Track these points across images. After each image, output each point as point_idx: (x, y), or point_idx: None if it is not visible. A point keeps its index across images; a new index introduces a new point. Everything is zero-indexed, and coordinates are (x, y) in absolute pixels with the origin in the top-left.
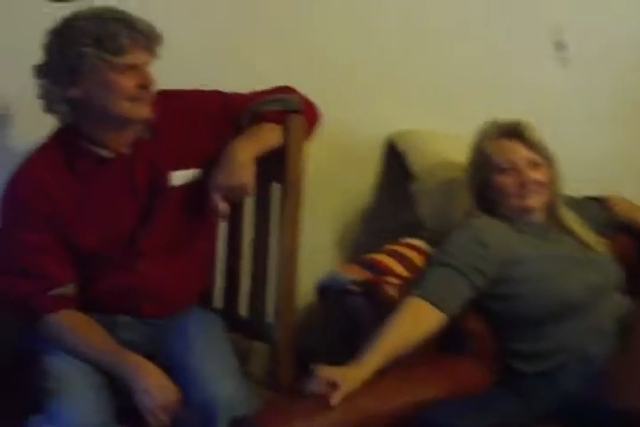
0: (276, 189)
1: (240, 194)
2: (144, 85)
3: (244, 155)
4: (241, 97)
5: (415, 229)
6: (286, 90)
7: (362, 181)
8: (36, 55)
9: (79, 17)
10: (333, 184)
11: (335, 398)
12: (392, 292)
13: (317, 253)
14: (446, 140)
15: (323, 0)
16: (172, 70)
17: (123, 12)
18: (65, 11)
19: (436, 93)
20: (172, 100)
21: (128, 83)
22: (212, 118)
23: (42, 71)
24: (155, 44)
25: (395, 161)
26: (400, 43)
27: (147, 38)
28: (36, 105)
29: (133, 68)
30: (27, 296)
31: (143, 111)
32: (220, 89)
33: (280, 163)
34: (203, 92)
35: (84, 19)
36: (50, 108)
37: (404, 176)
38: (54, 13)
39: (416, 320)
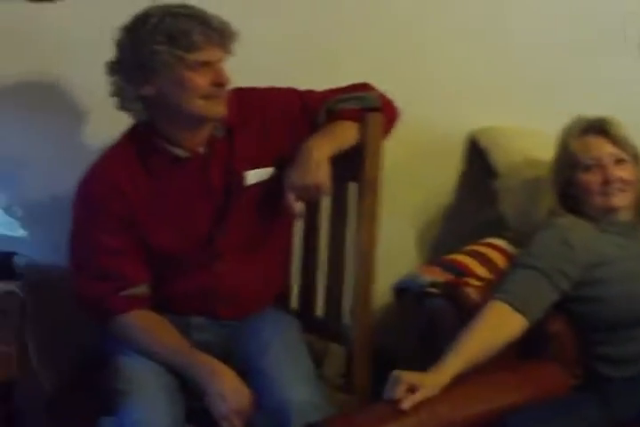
0: (352, 188)
1: (315, 194)
2: (218, 83)
3: (320, 153)
4: (317, 95)
5: (497, 228)
6: (364, 87)
7: (442, 178)
8: (111, 51)
9: (152, 14)
10: (413, 182)
11: (407, 403)
12: (473, 294)
13: (395, 253)
14: (530, 136)
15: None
16: (249, 68)
17: (196, 9)
18: (138, 7)
19: (519, 89)
20: (246, 98)
21: (202, 80)
22: (287, 116)
23: (114, 68)
24: (229, 41)
25: (476, 158)
26: (482, 38)
27: (220, 35)
28: (111, 102)
29: (207, 65)
30: (100, 297)
31: (217, 109)
32: (297, 87)
33: (357, 162)
34: (278, 89)
35: (157, 15)
36: (123, 105)
37: (486, 174)
38: (127, 9)
39: (498, 325)
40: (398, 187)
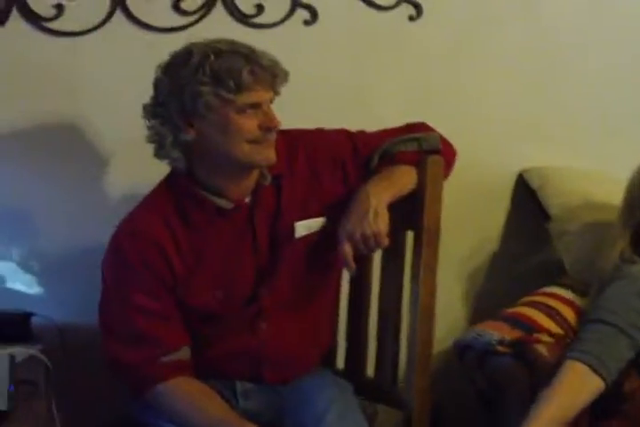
0: (408, 237)
1: (373, 244)
2: (267, 126)
3: (378, 201)
4: (371, 136)
5: (551, 274)
6: (421, 127)
7: (492, 220)
8: (144, 93)
9: (194, 51)
10: (461, 225)
11: None
12: (545, 352)
13: (441, 301)
14: (585, 177)
15: (448, 39)
16: (290, 108)
17: (243, 45)
18: (178, 43)
19: (572, 127)
20: (294, 142)
21: (249, 124)
22: (339, 161)
23: (152, 111)
24: (280, 81)
25: (527, 200)
26: (533, 73)
27: (271, 74)
28: (143, 148)
29: (255, 107)
30: (138, 364)
31: (266, 155)
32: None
33: (415, 208)
34: (328, 132)
35: (200, 53)
36: (160, 152)
37: (538, 216)
38: (165, 45)
39: (577, 389)
40: (445, 231)
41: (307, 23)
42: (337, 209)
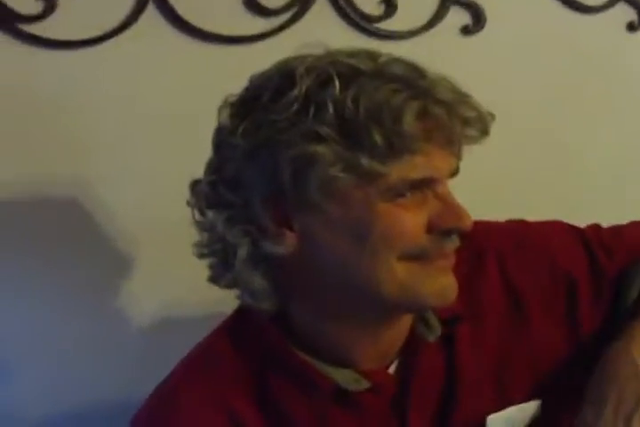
0: None
1: None
2: (447, 228)
3: None
4: (621, 237)
5: None
6: None
7: None
8: (192, 154)
9: (299, 71)
10: None
11: None
12: None
13: None
14: None
15: None
16: None
17: (401, 61)
18: (256, 61)
19: None
20: (480, 251)
21: (410, 221)
22: (565, 284)
23: (209, 195)
24: (475, 135)
25: None
26: None
27: (460, 120)
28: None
29: (422, 187)
30: None
31: (439, 285)
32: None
33: None
34: (539, 228)
35: (313, 75)
36: (224, 275)
37: None
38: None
39: None
40: None
41: (466, 31)
42: (564, 385)
